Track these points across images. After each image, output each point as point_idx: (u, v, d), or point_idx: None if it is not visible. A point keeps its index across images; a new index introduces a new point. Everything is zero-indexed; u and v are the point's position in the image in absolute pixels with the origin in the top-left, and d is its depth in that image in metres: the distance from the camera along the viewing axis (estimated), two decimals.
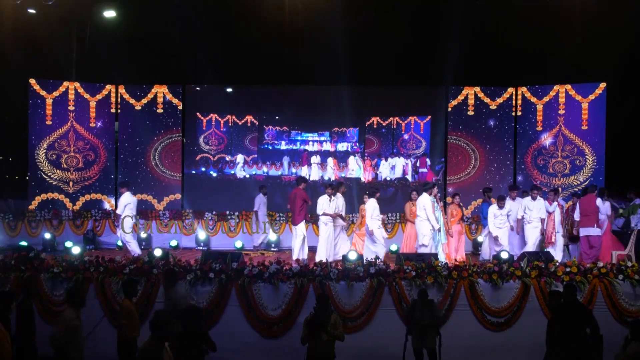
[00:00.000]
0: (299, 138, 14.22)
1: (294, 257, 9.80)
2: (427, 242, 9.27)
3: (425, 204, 9.29)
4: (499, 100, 13.15)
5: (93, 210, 12.99)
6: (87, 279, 7.73)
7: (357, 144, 14.18)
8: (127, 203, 10.25)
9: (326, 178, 13.76)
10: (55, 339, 5.49)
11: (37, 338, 6.65)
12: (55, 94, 13.06)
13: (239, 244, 12.32)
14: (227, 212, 13.00)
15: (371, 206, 9.63)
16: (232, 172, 13.96)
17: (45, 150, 12.92)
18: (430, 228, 9.26)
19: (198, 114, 13.73)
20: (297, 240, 10.13)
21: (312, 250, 10.43)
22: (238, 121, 14.05)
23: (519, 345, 7.37)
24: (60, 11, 12.39)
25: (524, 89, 13.11)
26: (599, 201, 9.80)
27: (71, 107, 13.14)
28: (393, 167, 13.94)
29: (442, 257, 9.29)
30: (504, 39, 13.05)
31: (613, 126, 12.80)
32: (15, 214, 12.51)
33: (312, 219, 11.24)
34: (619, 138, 13.45)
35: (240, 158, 14.01)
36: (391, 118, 14.01)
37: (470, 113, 13.19)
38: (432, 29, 13.43)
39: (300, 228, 10.12)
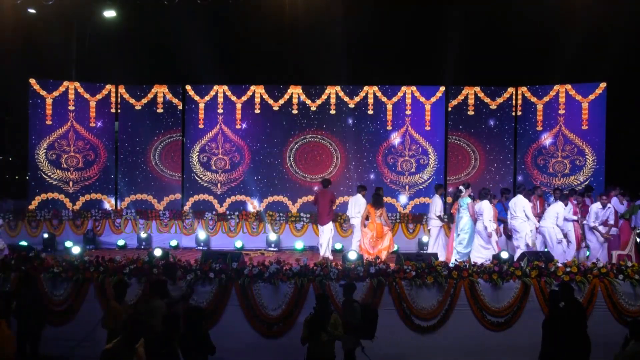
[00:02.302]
0: None
1: (322, 254, 10.72)
2: (531, 242, 9.51)
3: (524, 205, 9.60)
4: (499, 100, 13.15)
5: (93, 210, 12.99)
6: (87, 279, 7.74)
7: None
8: None
9: None
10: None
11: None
12: (55, 93, 13.06)
13: (239, 244, 12.33)
14: (227, 212, 13.02)
15: (488, 207, 9.67)
16: None
17: (45, 150, 12.92)
18: (531, 228, 9.56)
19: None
20: (324, 237, 10.92)
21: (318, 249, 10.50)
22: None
23: (519, 345, 7.38)
24: (60, 11, 12.39)
25: (524, 88, 13.11)
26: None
27: (71, 107, 13.15)
28: None
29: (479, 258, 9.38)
30: (504, 39, 13.04)
31: (613, 126, 12.80)
32: (15, 214, 12.52)
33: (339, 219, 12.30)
34: (619, 138, 13.45)
35: None
36: None
37: (470, 113, 13.19)
38: (432, 29, 13.43)
39: (329, 227, 10.92)
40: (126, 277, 7.70)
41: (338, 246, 12.21)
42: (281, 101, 13.34)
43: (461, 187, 10.22)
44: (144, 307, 6.12)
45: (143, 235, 12.65)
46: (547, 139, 12.92)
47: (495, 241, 9.69)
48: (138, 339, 4.66)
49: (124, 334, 4.65)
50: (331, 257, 10.52)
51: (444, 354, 7.56)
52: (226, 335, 7.18)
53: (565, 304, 6.28)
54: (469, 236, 9.83)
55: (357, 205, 10.97)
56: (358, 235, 10.64)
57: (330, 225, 10.96)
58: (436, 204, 10.96)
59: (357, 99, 13.28)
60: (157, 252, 8.49)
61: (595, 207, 9.90)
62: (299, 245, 12.35)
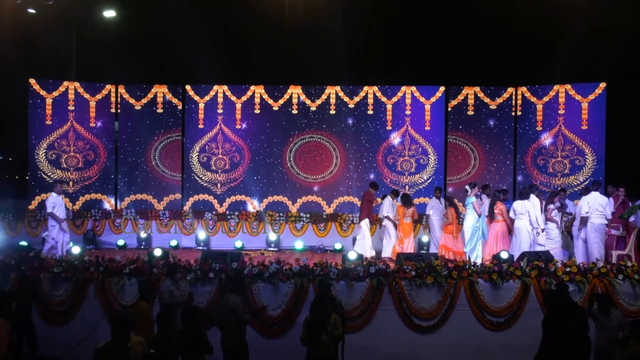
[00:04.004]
0: None
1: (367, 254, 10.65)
2: (543, 241, 9.55)
3: (535, 205, 9.59)
4: (499, 100, 13.15)
5: (93, 210, 13.00)
6: (87, 279, 7.74)
7: None
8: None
9: None
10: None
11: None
12: (55, 93, 13.06)
13: (238, 244, 12.33)
14: (227, 212, 13.02)
15: (536, 204, 9.75)
16: None
17: (45, 150, 12.92)
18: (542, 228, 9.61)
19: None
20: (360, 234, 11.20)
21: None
22: None
23: (519, 345, 7.37)
24: (60, 11, 12.41)
25: (524, 88, 13.11)
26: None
27: (71, 107, 13.15)
28: None
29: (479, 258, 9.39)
30: (504, 39, 13.05)
31: (613, 126, 12.80)
32: (15, 214, 12.51)
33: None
34: (619, 138, 13.44)
35: None
36: None
37: (470, 113, 13.19)
38: (432, 29, 13.44)
39: (362, 224, 11.06)
40: (126, 277, 7.71)
41: (338, 246, 12.22)
42: (281, 101, 13.34)
43: (467, 187, 10.24)
44: (220, 302, 6.29)
45: (143, 235, 12.66)
46: (546, 139, 12.92)
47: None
48: (127, 338, 4.59)
49: (112, 333, 4.58)
50: (367, 255, 10.47)
51: (444, 354, 7.56)
52: None
53: (562, 303, 6.28)
54: (469, 235, 9.86)
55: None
56: (389, 237, 11.07)
57: (364, 222, 11.05)
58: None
59: (357, 99, 13.29)
60: (157, 252, 8.49)
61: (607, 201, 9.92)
62: (298, 245, 12.35)
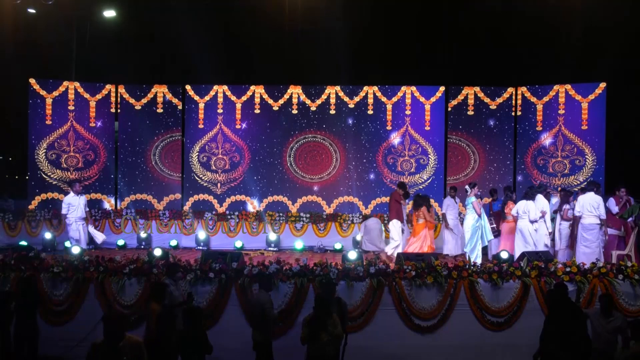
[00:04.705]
0: None
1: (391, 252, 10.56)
2: (548, 241, 9.62)
3: (543, 206, 9.62)
4: (499, 100, 13.15)
5: (93, 210, 12.97)
6: (87, 279, 7.74)
7: None
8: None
9: None
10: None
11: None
12: (55, 93, 13.06)
13: (238, 244, 12.33)
14: (227, 212, 13.02)
15: (543, 204, 9.82)
16: None
17: (45, 150, 12.92)
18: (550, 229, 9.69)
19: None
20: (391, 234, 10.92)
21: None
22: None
23: (519, 345, 7.37)
24: (60, 11, 12.40)
25: (524, 88, 13.11)
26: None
27: (71, 107, 13.15)
28: None
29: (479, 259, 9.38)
30: (504, 39, 13.05)
31: (613, 126, 12.80)
32: (15, 214, 12.52)
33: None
34: (619, 138, 13.45)
35: None
36: None
37: (470, 113, 13.19)
38: (432, 29, 13.44)
39: (392, 225, 10.75)
40: (126, 277, 7.71)
41: (338, 246, 12.22)
42: (281, 101, 13.34)
43: (467, 187, 10.25)
44: (251, 300, 6.58)
45: (143, 235, 12.65)
46: (546, 139, 12.92)
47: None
48: (119, 337, 4.56)
49: (104, 332, 4.57)
50: (387, 252, 10.52)
51: (444, 354, 7.56)
52: (226, 335, 7.20)
53: (562, 303, 6.28)
54: (469, 235, 9.86)
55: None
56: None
57: (393, 223, 10.70)
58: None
59: (356, 99, 13.29)
60: (157, 252, 8.50)
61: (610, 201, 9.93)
62: (298, 245, 12.34)
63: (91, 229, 11.37)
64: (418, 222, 10.43)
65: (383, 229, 12.06)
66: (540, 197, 9.79)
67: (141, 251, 10.76)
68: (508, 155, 13.12)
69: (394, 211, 10.83)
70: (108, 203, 13.30)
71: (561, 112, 12.82)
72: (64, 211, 10.77)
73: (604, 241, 9.71)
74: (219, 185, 13.36)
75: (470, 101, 13.18)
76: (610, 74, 12.48)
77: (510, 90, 13.15)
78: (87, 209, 11.18)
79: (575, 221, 9.71)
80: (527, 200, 9.64)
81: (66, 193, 12.86)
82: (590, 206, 9.45)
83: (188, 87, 13.41)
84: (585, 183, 10.99)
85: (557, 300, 6.30)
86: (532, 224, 9.55)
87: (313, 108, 13.33)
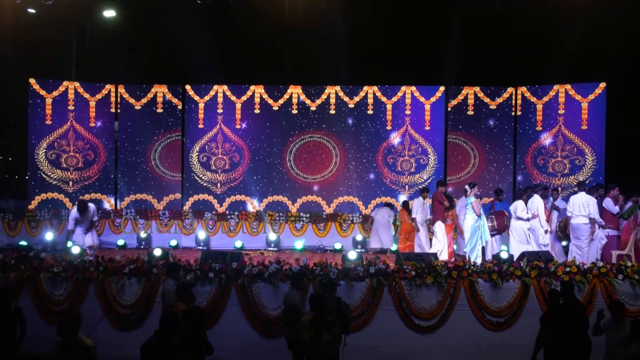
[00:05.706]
0: None
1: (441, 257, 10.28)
2: (547, 241, 9.65)
3: (538, 205, 9.66)
4: (499, 100, 13.15)
5: None
6: (87, 279, 7.74)
7: None
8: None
9: None
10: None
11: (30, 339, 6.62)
12: (55, 93, 13.07)
13: (238, 244, 12.33)
14: (227, 212, 13.02)
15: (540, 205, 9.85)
16: None
17: (45, 150, 12.93)
18: (546, 228, 9.72)
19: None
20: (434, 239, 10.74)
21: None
22: None
23: (519, 345, 7.36)
24: (60, 11, 12.39)
25: (524, 88, 13.11)
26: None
27: (71, 107, 13.15)
28: None
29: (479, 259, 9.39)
30: (504, 39, 13.03)
31: (613, 126, 12.80)
32: (15, 214, 12.52)
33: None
34: (619, 138, 13.44)
35: None
36: None
37: (470, 113, 13.20)
38: (432, 29, 13.42)
39: (436, 226, 10.55)
40: (126, 277, 7.71)
41: (338, 246, 12.23)
42: (281, 101, 13.35)
43: (466, 187, 10.24)
44: (285, 298, 6.67)
45: (143, 235, 12.66)
46: (546, 139, 12.92)
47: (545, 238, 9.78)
48: (72, 336, 4.87)
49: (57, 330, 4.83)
50: (442, 258, 10.02)
51: (444, 354, 7.56)
52: (226, 335, 7.19)
53: (566, 302, 6.28)
54: (469, 235, 9.85)
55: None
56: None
57: (437, 225, 10.50)
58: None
59: (356, 99, 13.29)
60: (157, 252, 8.49)
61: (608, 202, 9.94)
62: (298, 245, 12.35)
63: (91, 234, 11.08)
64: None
65: (392, 221, 12.05)
66: (536, 197, 9.81)
67: (141, 251, 10.76)
68: (508, 155, 13.13)
69: (437, 213, 10.54)
70: (108, 203, 13.31)
71: (561, 112, 12.82)
72: (70, 227, 10.16)
73: (599, 240, 9.71)
74: (218, 185, 13.36)
75: (470, 101, 13.18)
76: (610, 74, 12.49)
77: (510, 90, 13.16)
78: (96, 218, 10.44)
79: (566, 221, 9.90)
80: (519, 200, 9.74)
81: (66, 193, 12.90)
82: (580, 206, 9.51)
83: (188, 87, 13.41)
84: (587, 183, 11.00)
85: (563, 296, 6.28)
86: (518, 220, 9.78)
87: (313, 108, 13.33)
